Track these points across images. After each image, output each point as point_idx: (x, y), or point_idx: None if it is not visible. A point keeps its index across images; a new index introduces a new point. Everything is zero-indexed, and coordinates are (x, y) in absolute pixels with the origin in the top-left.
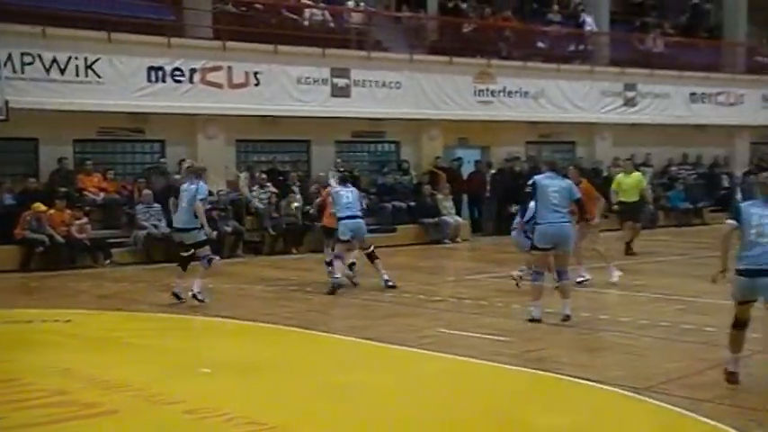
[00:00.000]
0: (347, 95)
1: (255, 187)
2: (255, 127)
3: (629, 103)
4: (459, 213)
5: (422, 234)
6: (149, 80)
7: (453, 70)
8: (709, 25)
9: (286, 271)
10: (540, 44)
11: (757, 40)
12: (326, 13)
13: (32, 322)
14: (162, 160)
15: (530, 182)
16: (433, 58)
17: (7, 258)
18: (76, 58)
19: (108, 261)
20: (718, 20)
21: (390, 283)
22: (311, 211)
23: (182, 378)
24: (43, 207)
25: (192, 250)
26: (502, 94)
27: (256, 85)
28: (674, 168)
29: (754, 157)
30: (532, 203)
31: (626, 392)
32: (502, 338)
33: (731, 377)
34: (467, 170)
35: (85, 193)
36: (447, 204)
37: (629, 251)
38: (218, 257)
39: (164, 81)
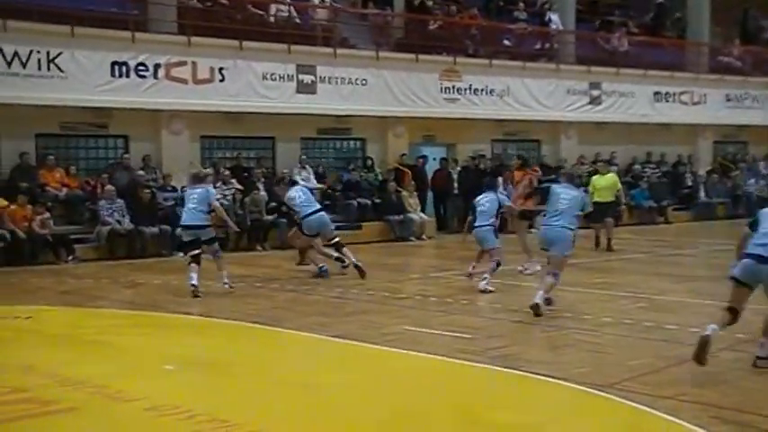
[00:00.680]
0: (313, 92)
1: (219, 184)
2: (220, 123)
3: (595, 101)
4: (424, 210)
5: (387, 231)
6: (113, 75)
7: (419, 68)
8: (677, 25)
9: (251, 268)
10: (506, 42)
11: (720, 40)
12: (292, 9)
13: None
14: (125, 156)
15: (545, 185)
16: (400, 56)
17: None
18: (39, 52)
19: (71, 257)
20: (683, 20)
21: (359, 266)
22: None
23: (144, 375)
24: (4, 202)
25: (201, 247)
26: (468, 91)
27: (221, 80)
28: (637, 167)
29: (716, 156)
30: (491, 197)
31: (589, 389)
32: (466, 336)
33: (703, 339)
34: (432, 167)
35: (48, 188)
36: (412, 201)
37: (609, 247)
38: (220, 251)
39: (128, 76)
